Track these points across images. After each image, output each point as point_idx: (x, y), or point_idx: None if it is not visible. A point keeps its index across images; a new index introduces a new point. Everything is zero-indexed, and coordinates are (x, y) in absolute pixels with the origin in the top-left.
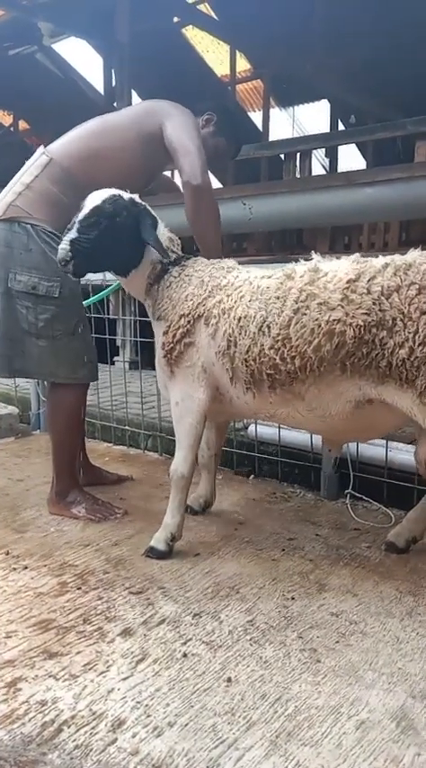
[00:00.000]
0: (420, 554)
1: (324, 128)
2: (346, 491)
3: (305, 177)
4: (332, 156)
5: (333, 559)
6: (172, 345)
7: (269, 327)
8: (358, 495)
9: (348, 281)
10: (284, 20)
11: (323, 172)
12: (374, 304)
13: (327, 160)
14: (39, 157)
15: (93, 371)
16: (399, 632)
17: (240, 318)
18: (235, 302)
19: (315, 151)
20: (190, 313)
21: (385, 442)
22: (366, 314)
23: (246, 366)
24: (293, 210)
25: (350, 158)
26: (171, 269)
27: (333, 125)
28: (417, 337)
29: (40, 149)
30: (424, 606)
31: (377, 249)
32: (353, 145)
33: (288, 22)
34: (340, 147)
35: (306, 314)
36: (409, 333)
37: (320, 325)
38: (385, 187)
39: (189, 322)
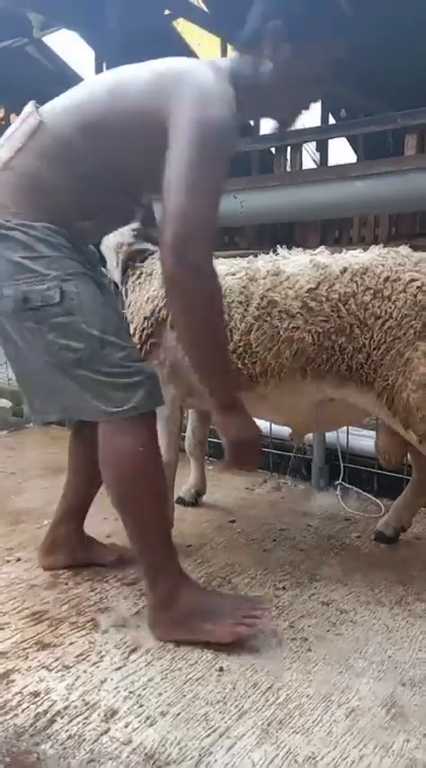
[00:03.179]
0: (409, 543)
1: (315, 121)
2: (337, 482)
3: (296, 171)
4: (323, 149)
5: (324, 549)
6: (139, 346)
7: (231, 332)
8: (348, 485)
9: (308, 290)
10: None
11: (314, 165)
12: (332, 311)
13: (318, 154)
14: (27, 118)
15: (152, 392)
16: (389, 621)
17: None
18: None
19: (305, 145)
20: (152, 315)
21: (374, 432)
22: (325, 321)
23: None
24: (284, 204)
25: (341, 152)
26: (128, 271)
27: (324, 119)
28: (372, 342)
29: (30, 106)
30: (413, 595)
31: (367, 243)
32: (344, 138)
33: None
34: (330, 141)
35: (266, 321)
36: (365, 339)
37: (279, 333)
38: (375, 180)
39: (152, 324)
